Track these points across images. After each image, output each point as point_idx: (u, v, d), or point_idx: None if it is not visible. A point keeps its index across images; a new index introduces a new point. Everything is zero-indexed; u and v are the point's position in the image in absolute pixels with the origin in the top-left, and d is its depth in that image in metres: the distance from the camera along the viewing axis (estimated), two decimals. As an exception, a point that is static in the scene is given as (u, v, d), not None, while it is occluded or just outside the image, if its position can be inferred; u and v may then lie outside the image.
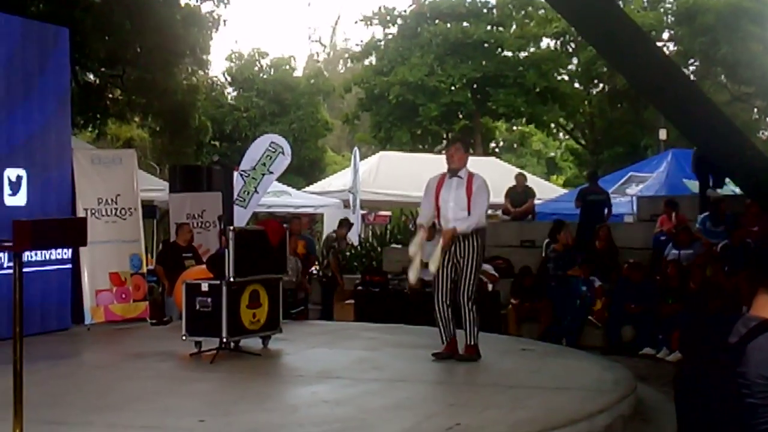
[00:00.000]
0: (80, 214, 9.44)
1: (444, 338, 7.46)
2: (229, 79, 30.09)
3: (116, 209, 10.12)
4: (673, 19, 27.99)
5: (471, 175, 7.43)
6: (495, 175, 16.76)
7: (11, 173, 8.79)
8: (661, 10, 27.90)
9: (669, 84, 12.72)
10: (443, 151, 7.69)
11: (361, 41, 32.34)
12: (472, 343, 7.48)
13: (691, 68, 25.70)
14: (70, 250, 9.35)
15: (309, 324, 11.15)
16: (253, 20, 64.15)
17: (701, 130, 12.47)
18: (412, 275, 7.50)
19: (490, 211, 16.59)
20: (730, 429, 2.30)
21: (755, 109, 28.44)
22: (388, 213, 19.91)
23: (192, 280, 8.10)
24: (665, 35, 27.06)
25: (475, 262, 7.37)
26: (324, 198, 20.34)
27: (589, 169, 18.36)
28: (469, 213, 7.30)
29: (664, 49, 23.49)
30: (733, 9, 25.95)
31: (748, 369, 2.21)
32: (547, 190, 19.86)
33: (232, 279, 7.52)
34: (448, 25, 27.82)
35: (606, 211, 13.89)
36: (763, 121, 28.70)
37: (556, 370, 7.56)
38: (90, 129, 19.43)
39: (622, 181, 18.70)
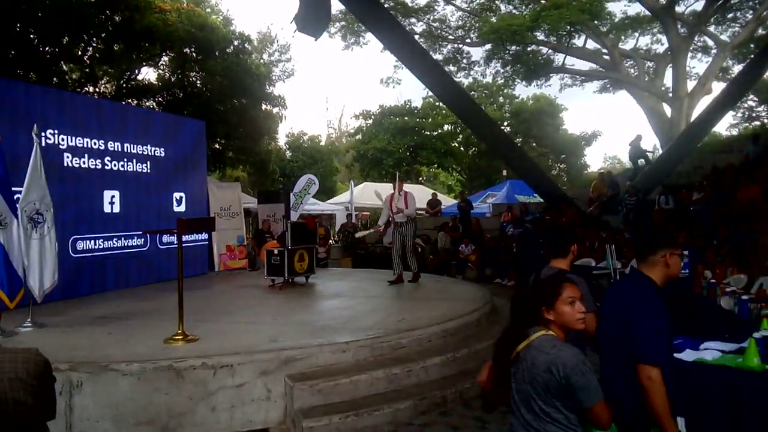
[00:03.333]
0: (212, 215, 10.69)
1: (395, 272, 8.88)
2: (287, 146, 34.62)
3: (230, 212, 11.62)
4: (508, 115, 32.70)
5: (407, 193, 8.80)
6: (421, 194, 20.68)
7: (177, 195, 10.09)
8: (503, 110, 32.59)
9: (507, 147, 15.86)
10: (391, 181, 9.13)
11: (354, 127, 37.59)
12: (417, 271, 9.04)
13: (518, 140, 28.82)
14: (207, 234, 10.71)
15: (329, 270, 12.19)
16: (300, 116, 73.14)
17: (524, 169, 15.24)
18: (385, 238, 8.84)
19: (419, 212, 20.05)
20: None
21: (550, 160, 32.88)
22: (368, 213, 22.79)
23: (270, 248, 9.09)
24: (505, 123, 31.19)
25: (413, 235, 8.82)
26: (335, 206, 24.16)
27: (466, 192, 21.63)
28: (400, 211, 8.68)
29: (505, 130, 27.47)
30: (539, 109, 31.34)
31: None
32: (447, 201, 22.66)
33: (290, 247, 8.62)
34: (397, 118, 31.96)
35: (470, 211, 16.49)
36: (553, 166, 33.12)
37: (454, 290, 8.52)
38: (217, 172, 22.62)
39: (484, 196, 22.45)
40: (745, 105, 27.17)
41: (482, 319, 6.60)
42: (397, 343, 5.40)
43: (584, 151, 33.81)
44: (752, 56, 18.18)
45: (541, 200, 15.57)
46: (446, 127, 32.23)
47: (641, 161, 16.75)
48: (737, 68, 23.25)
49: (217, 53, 18.59)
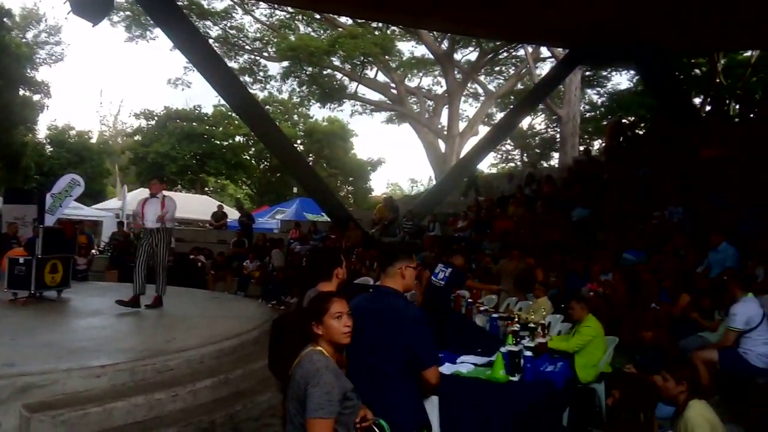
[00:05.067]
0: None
1: (135, 291, 7.40)
2: (48, 140, 30.14)
3: (-38, 213, 10.09)
4: (302, 133, 33.49)
5: (165, 197, 7.64)
6: (206, 205, 20.75)
7: None
8: (297, 128, 33.26)
9: (299, 165, 16.13)
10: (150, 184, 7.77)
11: (133, 126, 35.13)
12: (163, 294, 7.66)
13: (310, 159, 29.96)
14: None
15: (89, 284, 11.10)
16: (68, 108, 63.31)
17: (313, 188, 15.69)
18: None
19: (201, 224, 19.10)
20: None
21: (339, 181, 34.29)
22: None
23: (14, 256, 8.08)
24: (299, 141, 31.91)
25: (166, 246, 7.59)
26: (104, 212, 22.06)
27: (246, 207, 21.26)
28: (162, 217, 7.40)
29: (298, 148, 27.02)
30: (332, 131, 32.53)
31: None
32: (233, 214, 21.40)
33: (39, 255, 7.77)
34: (184, 123, 30.61)
35: (252, 226, 16.04)
36: (342, 187, 34.60)
37: (232, 307, 8.33)
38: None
39: (273, 212, 22.51)
40: (503, 148, 31.74)
41: (261, 337, 6.37)
42: (164, 365, 5.02)
43: (370, 175, 36.22)
44: (511, 107, 21.25)
45: (329, 219, 15.98)
46: (238, 138, 31.91)
47: None
48: (499, 115, 27.06)
49: (-36, 24, 15.92)
